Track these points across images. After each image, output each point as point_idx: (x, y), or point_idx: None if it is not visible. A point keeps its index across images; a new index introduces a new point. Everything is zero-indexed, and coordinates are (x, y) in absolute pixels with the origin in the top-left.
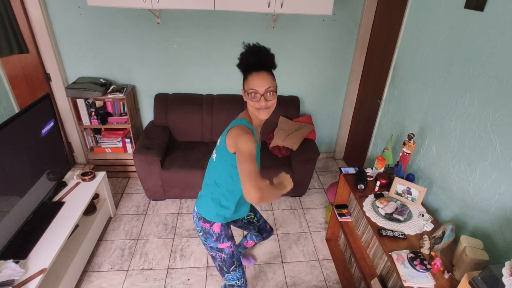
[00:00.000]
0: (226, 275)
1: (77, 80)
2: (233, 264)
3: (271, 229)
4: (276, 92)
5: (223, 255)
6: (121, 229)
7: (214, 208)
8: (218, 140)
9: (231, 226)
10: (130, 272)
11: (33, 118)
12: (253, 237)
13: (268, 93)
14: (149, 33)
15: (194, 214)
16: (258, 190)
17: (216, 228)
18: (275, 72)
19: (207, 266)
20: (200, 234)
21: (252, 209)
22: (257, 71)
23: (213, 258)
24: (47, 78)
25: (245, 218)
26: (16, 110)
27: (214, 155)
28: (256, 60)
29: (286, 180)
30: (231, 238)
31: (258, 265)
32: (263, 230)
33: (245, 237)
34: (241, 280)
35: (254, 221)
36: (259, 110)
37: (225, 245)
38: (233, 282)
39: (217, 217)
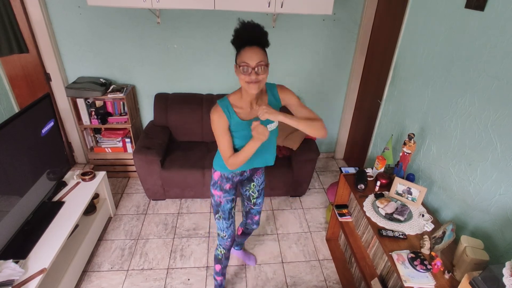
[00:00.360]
0: (216, 221)
1: (77, 79)
2: (218, 213)
3: (255, 224)
4: (267, 67)
5: (212, 201)
6: (121, 229)
7: (218, 160)
8: None
9: (240, 192)
10: (130, 272)
11: (33, 118)
12: (235, 244)
13: (259, 68)
14: (149, 32)
15: None
16: (231, 164)
17: (216, 175)
18: (275, 69)
19: (207, 266)
20: (211, 182)
21: (258, 191)
22: (250, 46)
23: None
24: (47, 78)
25: (249, 191)
26: (16, 110)
27: None
28: (250, 35)
29: (257, 129)
30: (225, 191)
31: (258, 265)
32: (249, 215)
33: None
34: (224, 232)
35: (252, 201)
36: (249, 84)
37: (216, 192)
38: (218, 231)
39: (219, 167)
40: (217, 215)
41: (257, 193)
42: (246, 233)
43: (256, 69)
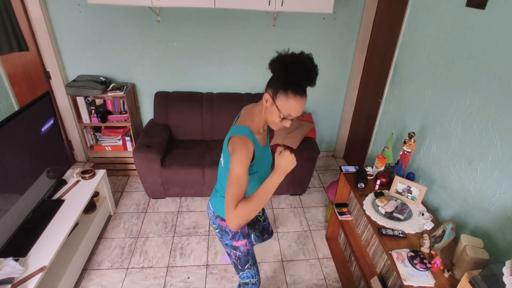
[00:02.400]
0: (240, 273)
1: (77, 78)
2: (248, 262)
3: (272, 232)
4: None
5: (237, 253)
6: (121, 227)
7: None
8: (223, 143)
9: None
10: (130, 270)
11: (33, 116)
12: (254, 237)
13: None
14: (149, 31)
15: (209, 212)
16: (234, 220)
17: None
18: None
19: (207, 265)
20: (217, 231)
21: (263, 213)
22: (301, 95)
23: (229, 255)
24: (47, 76)
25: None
26: (16, 108)
27: (222, 160)
28: (304, 79)
29: (286, 157)
30: (246, 236)
31: (258, 263)
32: (265, 231)
33: None
34: (255, 278)
35: (261, 219)
36: (281, 124)
37: (241, 243)
38: (247, 280)
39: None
40: (247, 265)
41: (260, 211)
42: (259, 243)
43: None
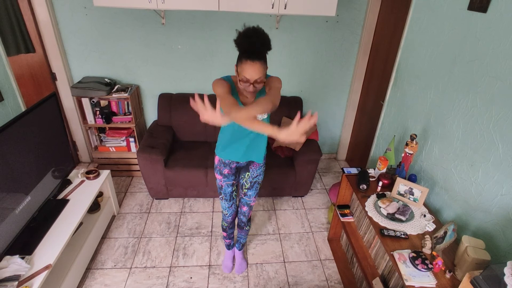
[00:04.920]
0: (219, 200)
1: (82, 79)
2: (220, 195)
3: (243, 216)
4: (264, 78)
5: (216, 183)
6: (125, 227)
7: (218, 144)
8: None
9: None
10: (133, 269)
11: (39, 117)
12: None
13: (257, 82)
14: (153, 33)
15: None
16: (229, 114)
17: (216, 160)
18: (279, 70)
19: (209, 265)
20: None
21: (251, 182)
22: (252, 60)
23: None
24: (53, 77)
25: (243, 179)
26: (23, 108)
27: None
28: (251, 47)
29: (290, 132)
30: (224, 176)
31: (260, 264)
32: (239, 204)
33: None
34: (226, 211)
35: (244, 190)
36: (248, 89)
37: (217, 176)
38: (221, 209)
39: (218, 151)
40: (220, 196)
41: (249, 184)
42: (239, 226)
43: (254, 83)
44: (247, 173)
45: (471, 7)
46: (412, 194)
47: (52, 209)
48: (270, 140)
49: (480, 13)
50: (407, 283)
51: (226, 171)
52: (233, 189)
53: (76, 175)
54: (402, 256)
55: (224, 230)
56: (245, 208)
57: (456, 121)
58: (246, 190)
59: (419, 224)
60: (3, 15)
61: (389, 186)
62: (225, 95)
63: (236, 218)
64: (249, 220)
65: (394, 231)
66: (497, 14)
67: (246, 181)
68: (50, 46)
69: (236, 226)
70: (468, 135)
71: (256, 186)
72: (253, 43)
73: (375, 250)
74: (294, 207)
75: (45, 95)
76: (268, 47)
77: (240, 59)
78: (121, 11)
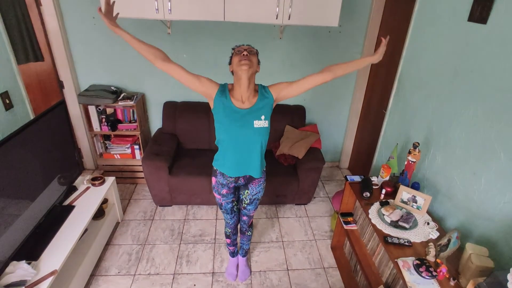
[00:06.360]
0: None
1: (89, 87)
2: (221, 209)
3: (244, 224)
4: (257, 56)
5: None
6: (129, 234)
7: (214, 161)
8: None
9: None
10: (137, 276)
11: (48, 124)
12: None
13: (249, 51)
14: (160, 43)
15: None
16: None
17: (213, 180)
18: (282, 79)
19: (213, 272)
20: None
21: (250, 199)
22: (242, 44)
23: None
24: (60, 85)
25: (243, 195)
26: (31, 116)
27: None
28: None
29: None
30: (223, 195)
31: (263, 272)
32: (240, 213)
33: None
34: (228, 220)
35: (243, 204)
36: (241, 65)
37: (216, 195)
38: (224, 218)
39: (214, 172)
40: (221, 210)
41: (248, 200)
42: (241, 231)
43: (247, 50)
44: (247, 190)
45: (471, 19)
46: (415, 202)
47: (58, 215)
48: (273, 149)
49: (480, 24)
50: None
51: (224, 191)
52: (233, 204)
53: (82, 181)
54: (406, 264)
55: (227, 236)
56: (245, 218)
57: (458, 130)
58: (245, 205)
59: (423, 231)
60: (14, 25)
61: (392, 194)
62: (186, 71)
63: (238, 225)
64: (251, 225)
65: (398, 238)
66: (497, 26)
67: (245, 198)
68: (58, 55)
69: (239, 233)
70: (470, 144)
71: (256, 202)
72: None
73: (379, 257)
74: (297, 215)
75: (52, 102)
76: (256, 51)
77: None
78: (128, 21)
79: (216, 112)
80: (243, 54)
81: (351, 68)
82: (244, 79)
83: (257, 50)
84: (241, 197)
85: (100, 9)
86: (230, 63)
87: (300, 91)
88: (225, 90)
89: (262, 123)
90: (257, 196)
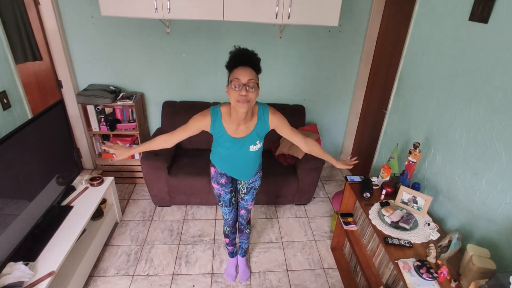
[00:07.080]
0: (219, 207)
1: (88, 87)
2: (219, 202)
3: (242, 219)
4: (257, 87)
5: (214, 192)
6: (127, 234)
7: (213, 155)
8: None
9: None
10: (135, 277)
11: (46, 123)
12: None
13: (249, 85)
14: (158, 42)
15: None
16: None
17: (212, 171)
18: (282, 79)
19: (212, 273)
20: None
21: (247, 188)
22: (243, 65)
23: None
24: (59, 85)
25: (240, 185)
26: (29, 115)
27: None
28: (243, 58)
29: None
30: (222, 185)
31: (263, 273)
32: (238, 207)
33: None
34: (226, 216)
35: (241, 195)
36: (239, 103)
37: (215, 186)
38: (222, 214)
39: (214, 162)
40: (219, 204)
41: (245, 189)
42: (239, 229)
43: (247, 86)
44: (243, 185)
45: (472, 18)
46: (416, 203)
47: (56, 215)
48: (273, 149)
49: (481, 23)
50: None
51: (223, 180)
52: (232, 195)
53: (80, 181)
54: (407, 265)
55: (226, 236)
56: (243, 212)
57: (459, 130)
58: (243, 195)
59: (423, 232)
60: (12, 24)
61: (393, 195)
62: (180, 128)
63: (237, 223)
64: (249, 222)
65: (398, 239)
66: (498, 25)
67: (242, 187)
68: (57, 54)
69: (237, 231)
70: (471, 144)
71: (253, 192)
72: (245, 56)
73: (379, 258)
74: (296, 215)
75: (50, 102)
76: (259, 63)
77: (231, 72)
78: (127, 20)
79: (212, 133)
80: (241, 94)
81: (322, 156)
82: (242, 113)
83: (259, 58)
84: (238, 187)
85: (113, 156)
86: (227, 83)
87: (288, 138)
88: (217, 117)
89: (257, 146)
90: (253, 185)
